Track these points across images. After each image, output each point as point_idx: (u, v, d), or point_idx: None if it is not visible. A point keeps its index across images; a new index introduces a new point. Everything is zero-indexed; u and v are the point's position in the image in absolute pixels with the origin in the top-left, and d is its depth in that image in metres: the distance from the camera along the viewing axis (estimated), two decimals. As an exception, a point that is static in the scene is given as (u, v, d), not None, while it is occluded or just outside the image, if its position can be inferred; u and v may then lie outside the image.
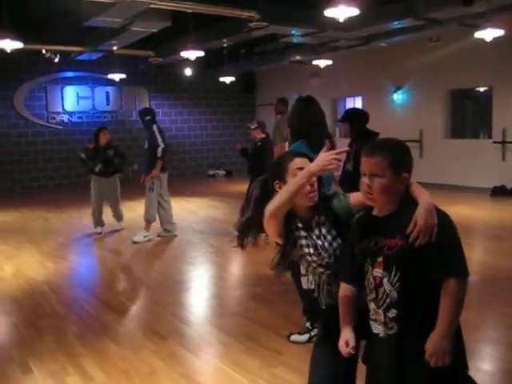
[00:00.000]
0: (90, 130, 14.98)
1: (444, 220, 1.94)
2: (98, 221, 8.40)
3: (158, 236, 7.88)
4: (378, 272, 2.00)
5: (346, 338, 2.13)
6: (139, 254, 7.19)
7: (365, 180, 1.98)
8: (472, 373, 3.56)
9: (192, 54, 9.83)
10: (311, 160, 2.26)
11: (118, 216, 8.51)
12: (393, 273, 1.95)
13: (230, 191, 12.25)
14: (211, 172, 16.39)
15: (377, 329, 2.05)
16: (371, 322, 2.07)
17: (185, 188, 10.25)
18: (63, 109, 14.85)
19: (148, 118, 7.88)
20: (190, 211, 9.97)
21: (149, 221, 7.73)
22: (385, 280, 1.97)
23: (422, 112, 12.88)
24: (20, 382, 3.57)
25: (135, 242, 7.52)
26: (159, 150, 7.57)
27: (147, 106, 16.07)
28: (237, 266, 6.71)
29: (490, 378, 3.49)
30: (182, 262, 6.74)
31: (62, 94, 14.85)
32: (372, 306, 2.05)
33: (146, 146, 7.90)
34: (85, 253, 7.50)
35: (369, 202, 2.03)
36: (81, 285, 6.05)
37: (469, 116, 13.99)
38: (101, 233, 8.32)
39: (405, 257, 1.91)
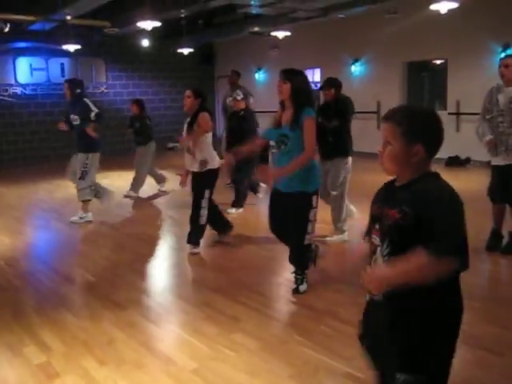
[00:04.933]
0: (44, 103, 14.68)
1: (443, 196, 1.80)
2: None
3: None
4: (375, 239, 1.94)
5: None
6: (98, 226, 7.13)
7: (380, 147, 1.90)
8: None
9: (148, 25, 9.65)
10: None
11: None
12: (385, 244, 1.88)
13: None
14: (170, 145, 16.17)
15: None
16: None
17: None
18: (16, 81, 14.39)
19: (79, 90, 7.14)
20: (149, 184, 9.88)
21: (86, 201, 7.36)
22: (378, 249, 1.91)
23: (380, 84, 13.01)
24: (-24, 354, 3.55)
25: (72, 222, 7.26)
26: (92, 114, 6.97)
27: (104, 78, 15.78)
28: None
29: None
30: (142, 234, 6.72)
31: (15, 65, 14.37)
32: (368, 268, 1.97)
33: (76, 122, 7.06)
34: (42, 226, 7.39)
35: (382, 170, 1.92)
36: (38, 258, 5.98)
37: (426, 88, 14.23)
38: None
39: (397, 230, 1.82)
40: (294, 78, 4.25)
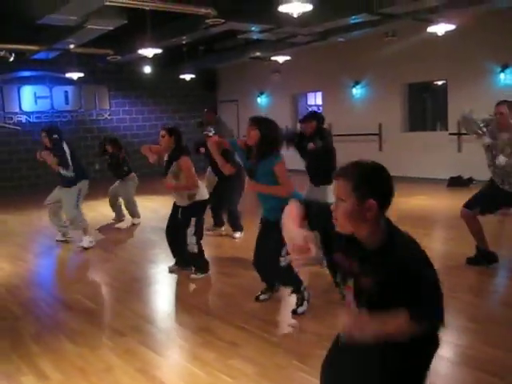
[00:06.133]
0: (48, 130, 14.80)
1: (411, 256, 1.80)
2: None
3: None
4: (348, 294, 1.94)
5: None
6: (99, 253, 7.13)
7: (333, 205, 1.90)
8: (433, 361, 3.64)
9: (149, 52, 9.76)
10: None
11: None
12: (358, 305, 1.90)
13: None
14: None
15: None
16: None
17: (146, 187, 10.22)
18: (20, 109, 14.60)
19: (56, 136, 7.30)
20: (152, 209, 9.94)
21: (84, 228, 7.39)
22: (352, 305, 1.93)
23: (381, 106, 13.09)
24: (-27, 384, 3.53)
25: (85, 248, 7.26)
26: (69, 174, 7.17)
27: (108, 104, 15.99)
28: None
29: (449, 364, 3.53)
30: (143, 260, 6.73)
31: (19, 94, 14.60)
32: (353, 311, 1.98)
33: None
34: (44, 254, 7.40)
35: (337, 228, 1.91)
36: (39, 285, 5.98)
37: (428, 109, 14.30)
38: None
39: (371, 297, 1.84)
40: (262, 125, 4.42)
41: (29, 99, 14.72)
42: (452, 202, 9.72)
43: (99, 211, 10.15)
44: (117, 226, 8.94)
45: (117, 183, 8.99)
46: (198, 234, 5.56)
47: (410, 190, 10.88)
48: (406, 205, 9.33)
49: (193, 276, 5.62)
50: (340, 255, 1.96)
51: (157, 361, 3.79)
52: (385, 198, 1.85)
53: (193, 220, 5.49)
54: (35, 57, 12.90)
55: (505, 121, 5.08)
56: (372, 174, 1.87)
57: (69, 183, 7.26)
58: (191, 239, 5.51)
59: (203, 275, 5.66)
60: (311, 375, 3.36)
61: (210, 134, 7.36)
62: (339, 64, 13.63)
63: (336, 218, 1.88)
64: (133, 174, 9.01)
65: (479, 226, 5.40)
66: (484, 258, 5.42)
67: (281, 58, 12.35)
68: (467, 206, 5.43)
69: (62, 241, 7.71)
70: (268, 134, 4.38)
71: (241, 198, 7.59)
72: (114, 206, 9.06)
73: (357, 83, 13.67)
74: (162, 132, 5.58)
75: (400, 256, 1.79)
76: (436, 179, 11.63)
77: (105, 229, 8.69)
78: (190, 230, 5.48)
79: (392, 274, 1.77)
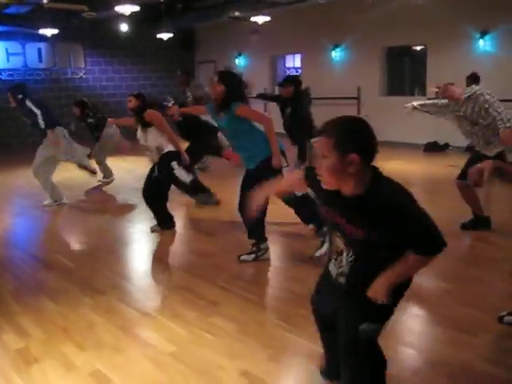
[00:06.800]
0: (21, 88, 14.43)
1: (404, 201, 1.92)
2: None
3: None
4: (339, 243, 2.07)
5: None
6: (76, 212, 7.09)
7: (318, 161, 1.98)
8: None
9: (126, 9, 9.54)
10: None
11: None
12: (350, 253, 2.03)
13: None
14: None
15: (332, 270, 2.18)
16: (330, 262, 2.20)
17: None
18: (-8, 66, 14.19)
19: (21, 96, 7.18)
20: (128, 170, 9.86)
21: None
22: (344, 253, 2.06)
23: (360, 69, 13.04)
24: (-46, 341, 3.52)
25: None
26: (41, 124, 7.08)
27: (83, 63, 15.61)
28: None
29: (422, 322, 3.68)
30: (121, 219, 6.71)
31: (-10, 50, 14.15)
32: (332, 258, 2.16)
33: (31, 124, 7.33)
34: (20, 213, 7.33)
35: (324, 185, 1.98)
36: (16, 244, 5.94)
37: (407, 74, 14.30)
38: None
39: (362, 246, 1.97)
40: (227, 79, 4.48)
41: (0, 56, 14.29)
42: (428, 167, 9.87)
43: (75, 172, 10.02)
44: (102, 181, 8.89)
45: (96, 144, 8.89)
46: (185, 169, 5.69)
47: (387, 154, 10.89)
48: (383, 169, 9.30)
49: (153, 228, 5.83)
50: (324, 208, 2.07)
51: (138, 319, 3.82)
52: (367, 152, 1.92)
53: (174, 163, 5.56)
54: (6, 11, 12.48)
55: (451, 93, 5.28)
56: (353, 129, 1.93)
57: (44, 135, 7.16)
58: (183, 177, 5.62)
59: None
60: (292, 333, 3.44)
61: (169, 105, 7.21)
62: (319, 26, 13.46)
63: (321, 174, 1.94)
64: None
65: (474, 195, 5.45)
66: (479, 224, 5.52)
67: (260, 19, 12.17)
68: (459, 177, 5.49)
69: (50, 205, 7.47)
70: (232, 88, 4.44)
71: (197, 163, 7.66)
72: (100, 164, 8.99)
73: (336, 46, 13.56)
74: (129, 97, 5.80)
75: (385, 195, 1.89)
76: (412, 144, 11.72)
77: (83, 189, 8.60)
78: (179, 172, 5.56)
79: (379, 213, 1.85)
